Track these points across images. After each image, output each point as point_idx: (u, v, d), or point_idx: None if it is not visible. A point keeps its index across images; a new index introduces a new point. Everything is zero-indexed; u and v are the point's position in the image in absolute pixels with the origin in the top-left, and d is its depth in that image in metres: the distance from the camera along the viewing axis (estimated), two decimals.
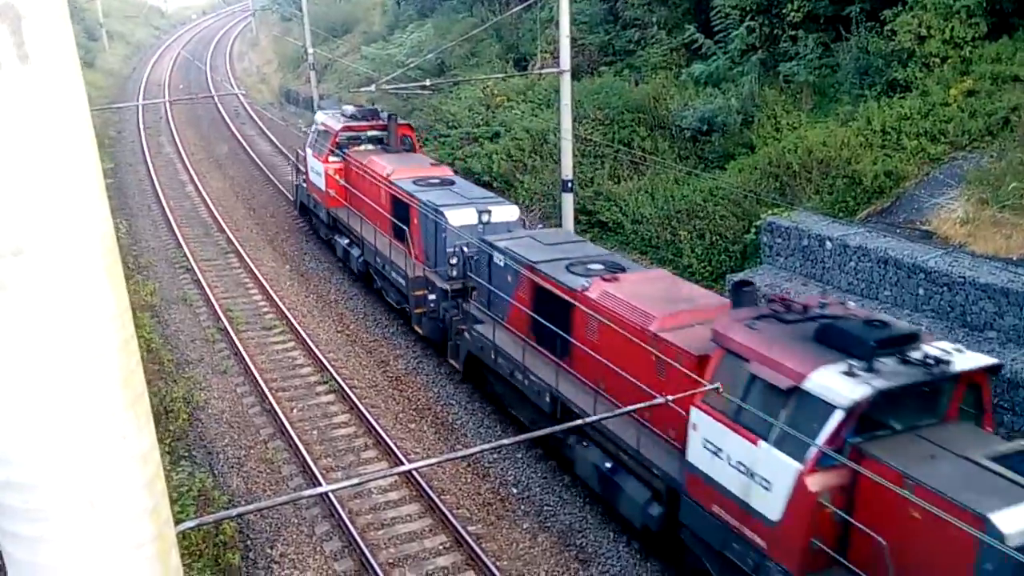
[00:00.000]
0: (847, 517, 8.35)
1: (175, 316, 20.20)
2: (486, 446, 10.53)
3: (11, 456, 1.96)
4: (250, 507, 5.34)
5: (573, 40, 21.28)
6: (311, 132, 25.26)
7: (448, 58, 32.57)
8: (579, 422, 7.93)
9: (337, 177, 22.47)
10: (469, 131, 27.20)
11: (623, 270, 13.40)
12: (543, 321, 13.42)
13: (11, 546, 2.06)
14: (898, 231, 15.91)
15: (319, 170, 23.07)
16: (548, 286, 13.46)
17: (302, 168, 25.15)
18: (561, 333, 12.94)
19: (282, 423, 15.30)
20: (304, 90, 41.89)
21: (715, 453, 9.72)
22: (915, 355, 8.69)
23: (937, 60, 18.55)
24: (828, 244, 16.06)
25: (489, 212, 17.27)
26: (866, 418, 8.48)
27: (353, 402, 15.99)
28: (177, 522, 9.15)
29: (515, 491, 13.54)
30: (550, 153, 24.02)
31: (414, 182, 19.13)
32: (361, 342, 18.89)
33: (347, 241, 22.09)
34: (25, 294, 1.87)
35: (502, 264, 14.84)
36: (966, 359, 8.93)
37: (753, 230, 18.19)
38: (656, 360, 10.95)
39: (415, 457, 14.34)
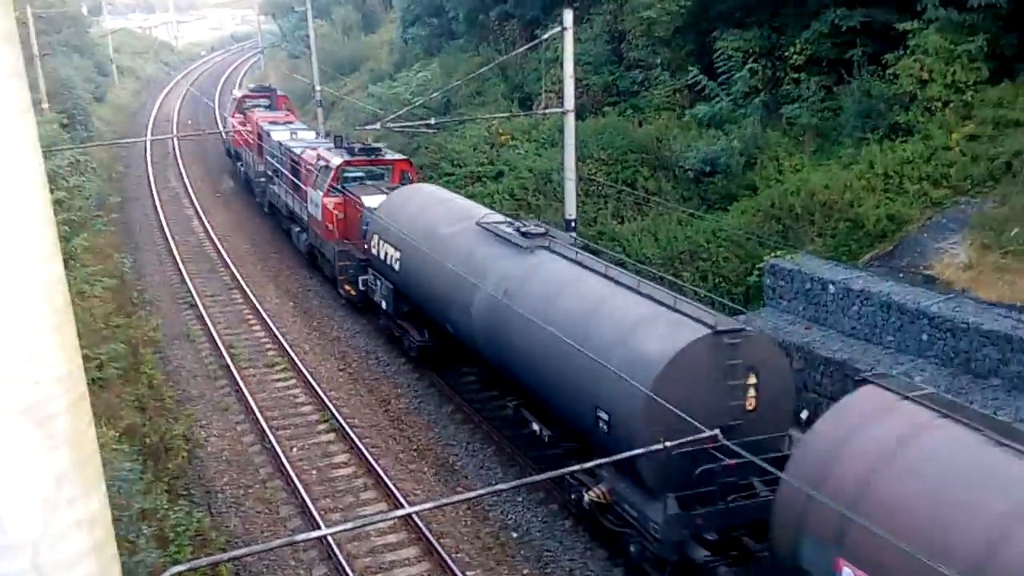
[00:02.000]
0: (344, 219, 22.01)
1: (177, 352, 20.19)
2: (485, 490, 10.44)
3: None
4: (245, 550, 5.29)
5: (577, 80, 21.48)
6: (230, 102, 40.40)
7: (454, 97, 32.83)
8: (567, 469, 7.86)
9: (239, 126, 34.46)
10: (473, 170, 27.34)
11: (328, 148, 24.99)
12: (289, 174, 26.21)
13: None
14: (901, 276, 15.90)
15: (230, 123, 36.58)
16: (293, 156, 25.95)
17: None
18: (293, 178, 25.69)
19: (281, 462, 15.22)
20: (311, 127, 42.21)
21: (312, 203, 23.52)
22: (369, 152, 23.69)
23: (939, 104, 18.66)
24: (831, 288, 16.04)
25: (296, 133, 29.48)
26: (347, 177, 22.62)
27: (353, 441, 15.91)
28: (173, 563, 9.06)
29: (515, 535, 13.41)
30: (554, 192, 24.11)
31: (270, 123, 31.31)
32: (363, 380, 18.84)
33: (240, 163, 35.25)
34: None
35: (283, 152, 27.26)
36: (392, 156, 23.83)
37: (756, 272, 18.20)
38: (334, 178, 22.61)
39: (415, 499, 14.22)
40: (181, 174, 38.09)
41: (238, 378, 18.48)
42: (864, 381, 9.58)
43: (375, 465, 15.03)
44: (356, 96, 39.84)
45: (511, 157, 27.10)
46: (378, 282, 19.47)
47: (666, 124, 24.82)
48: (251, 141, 31.85)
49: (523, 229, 15.29)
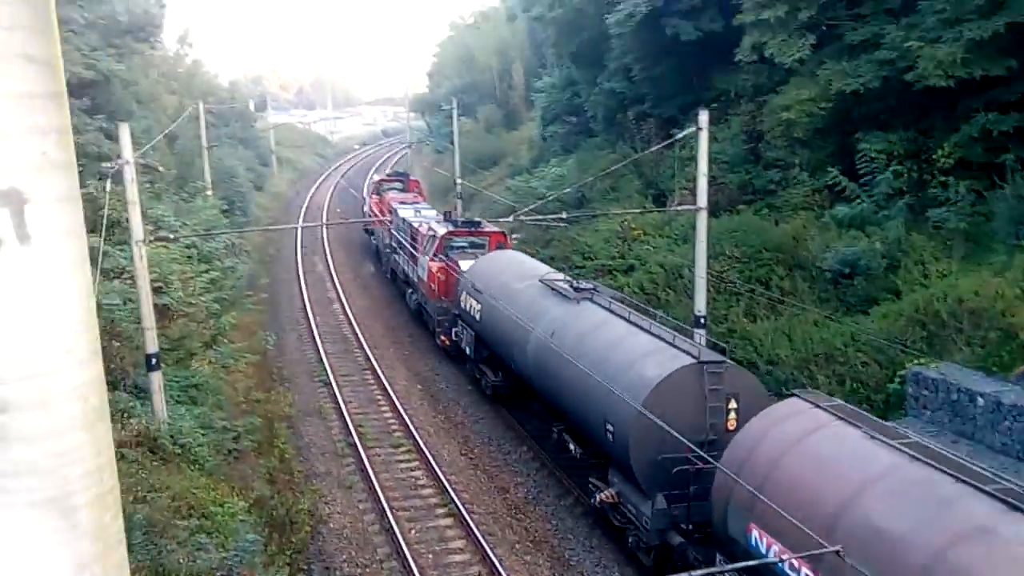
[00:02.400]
0: (446, 280, 25.36)
1: (309, 428, 20.90)
2: None
3: None
4: None
5: (713, 178, 21.48)
6: (369, 184, 48.44)
7: (588, 192, 33.43)
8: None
9: (375, 208, 39.19)
10: (604, 263, 27.53)
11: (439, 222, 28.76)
12: (408, 244, 29.87)
13: None
14: None
15: (368, 203, 42.73)
16: (412, 229, 29.50)
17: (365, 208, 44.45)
18: (411, 248, 29.20)
19: (399, 544, 15.33)
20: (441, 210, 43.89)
21: (421, 268, 27.34)
22: (470, 225, 27.20)
23: None
24: (979, 400, 15.04)
25: (420, 211, 32.80)
26: (450, 245, 26.30)
27: (470, 527, 15.88)
28: None
29: None
30: (684, 288, 23.91)
31: (399, 202, 36.18)
32: (483, 466, 18.89)
33: (373, 237, 40.43)
34: (5, 451, 2.12)
35: (405, 225, 30.94)
36: (489, 228, 26.77)
37: (897, 380, 17.31)
38: (438, 246, 26.21)
39: None
40: (327, 259, 40.08)
41: (364, 457, 18.91)
42: (792, 394, 12.57)
43: (490, 554, 14.92)
44: (494, 189, 41.17)
45: (642, 252, 27.17)
46: (464, 332, 23.13)
47: (804, 224, 24.33)
48: (384, 220, 36.31)
49: (575, 285, 18.68)
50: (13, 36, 2.06)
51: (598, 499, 15.03)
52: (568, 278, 19.71)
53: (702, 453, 11.28)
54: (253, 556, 13.01)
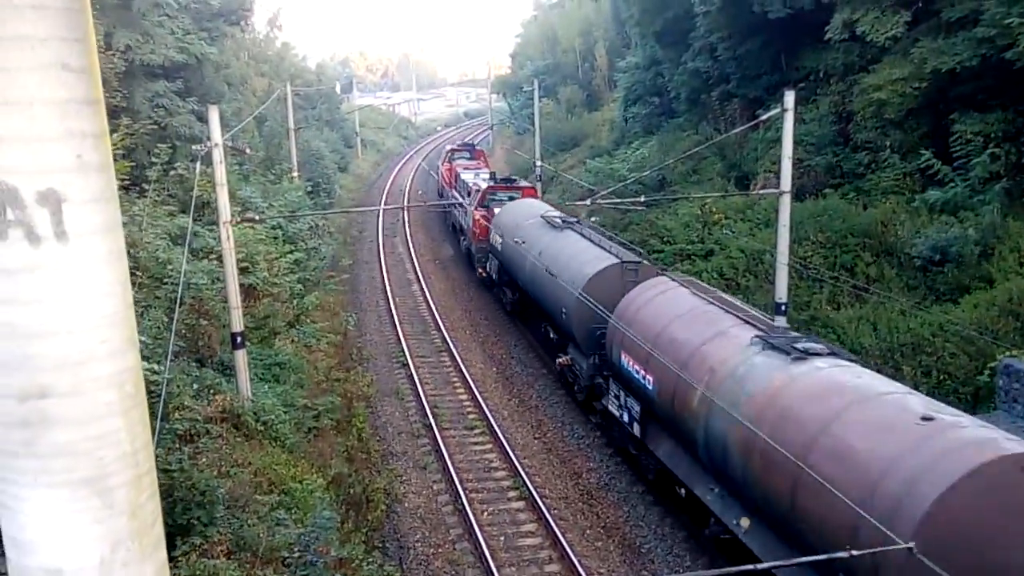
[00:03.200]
0: (486, 224, 30.11)
1: (387, 408, 21.29)
2: None
3: None
4: None
5: (799, 161, 20.91)
6: (443, 154, 51.86)
7: (669, 174, 32.94)
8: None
9: (445, 172, 45.53)
10: (683, 247, 27.12)
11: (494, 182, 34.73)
12: (463, 199, 34.84)
13: None
14: None
15: (440, 170, 48.38)
16: (467, 188, 35.12)
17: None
18: (466, 205, 33.74)
19: (471, 525, 15.53)
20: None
21: (469, 217, 33.33)
22: (507, 182, 34.70)
23: None
24: None
25: (479, 174, 38.05)
26: (490, 197, 32.52)
27: (542, 511, 15.97)
28: None
29: None
30: (765, 273, 23.40)
31: (464, 168, 41.88)
32: (556, 451, 18.94)
33: (442, 197, 45.88)
34: (45, 434, 2.24)
35: (462, 185, 36.71)
36: (522, 183, 34.65)
37: (987, 372, 16.61)
38: (481, 198, 32.49)
39: None
40: (407, 241, 40.61)
41: (439, 438, 19.18)
42: (662, 272, 18.98)
43: (561, 538, 14.99)
44: (575, 172, 40.94)
45: (722, 236, 26.66)
46: (492, 262, 29.62)
47: (893, 208, 23.49)
48: (451, 182, 42.51)
49: (563, 219, 24.26)
50: (49, 46, 2.18)
51: (558, 364, 21.48)
52: (562, 215, 25.30)
53: (612, 318, 17.13)
54: (330, 532, 13.33)
